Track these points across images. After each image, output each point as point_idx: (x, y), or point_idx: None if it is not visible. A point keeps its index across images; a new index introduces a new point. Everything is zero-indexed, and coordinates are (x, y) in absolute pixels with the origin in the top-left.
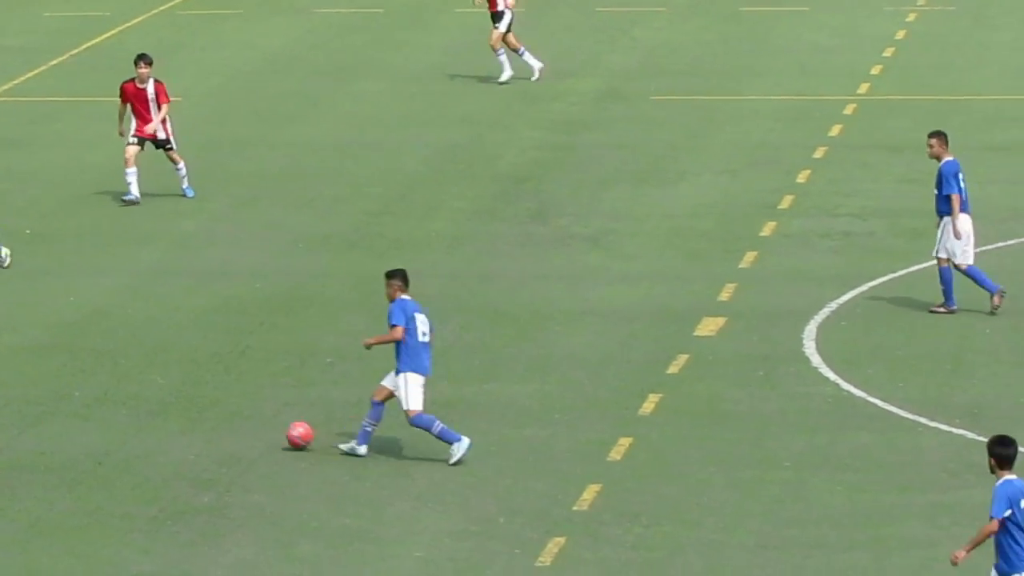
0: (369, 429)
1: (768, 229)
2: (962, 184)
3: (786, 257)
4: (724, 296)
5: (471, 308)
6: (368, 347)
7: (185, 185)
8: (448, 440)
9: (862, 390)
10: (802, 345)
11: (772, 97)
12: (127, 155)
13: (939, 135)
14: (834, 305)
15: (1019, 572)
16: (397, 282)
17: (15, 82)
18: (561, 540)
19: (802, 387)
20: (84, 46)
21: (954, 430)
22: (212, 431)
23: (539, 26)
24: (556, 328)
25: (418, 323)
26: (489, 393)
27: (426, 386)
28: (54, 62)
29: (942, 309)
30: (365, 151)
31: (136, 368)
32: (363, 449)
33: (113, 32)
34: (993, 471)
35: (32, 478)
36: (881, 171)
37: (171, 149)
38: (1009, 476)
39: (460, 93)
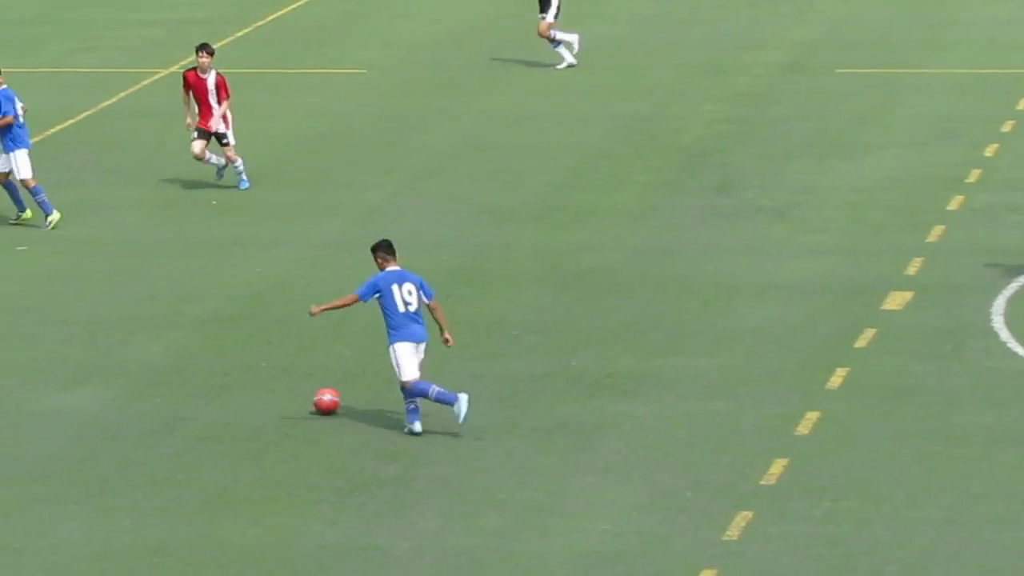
0: (413, 407)
1: (955, 203)
2: None
3: (974, 231)
4: (911, 270)
5: (656, 281)
6: (313, 314)
7: (242, 178)
8: (447, 401)
9: None
10: (990, 320)
11: (958, 70)
12: (195, 151)
13: None
14: (1023, 280)
15: None
16: (381, 253)
17: None
18: (748, 514)
19: (990, 362)
20: (270, 17)
21: None
22: (398, 403)
23: None
24: (741, 301)
25: (399, 294)
26: (675, 366)
27: (424, 349)
28: (240, 33)
29: None
30: (549, 123)
31: (322, 339)
32: (417, 426)
33: (300, 3)
34: None
35: (218, 449)
36: None
37: (227, 144)
38: None
39: (645, 65)
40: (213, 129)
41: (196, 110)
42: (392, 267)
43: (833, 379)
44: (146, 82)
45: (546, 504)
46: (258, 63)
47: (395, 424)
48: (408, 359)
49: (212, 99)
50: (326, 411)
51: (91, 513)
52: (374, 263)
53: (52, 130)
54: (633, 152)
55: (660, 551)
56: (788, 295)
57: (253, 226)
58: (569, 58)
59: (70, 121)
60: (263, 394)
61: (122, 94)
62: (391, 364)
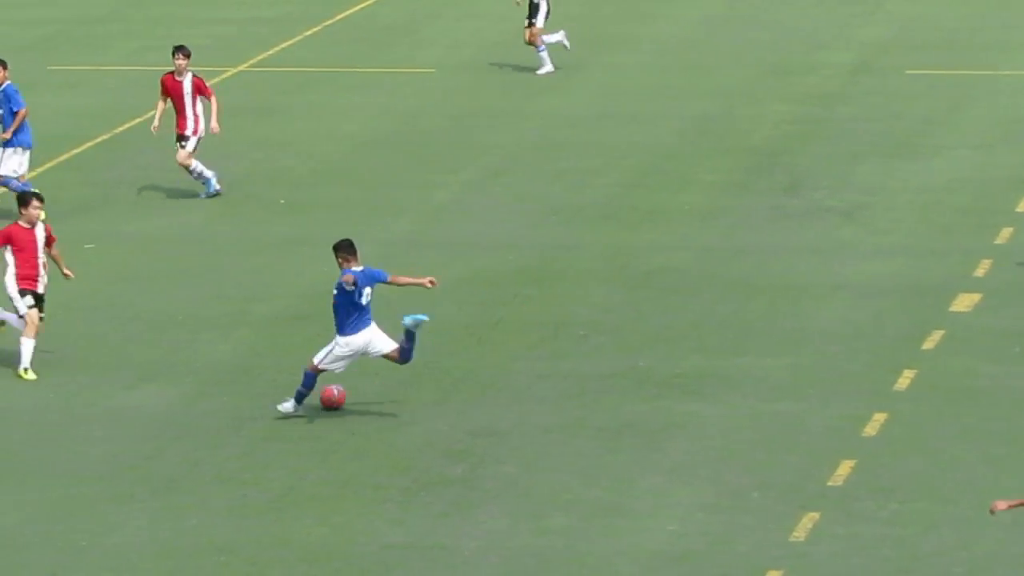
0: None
1: None
2: None
3: None
4: (979, 272)
5: (723, 281)
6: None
7: (211, 184)
8: (296, 398)
9: None
10: None
11: None
12: (179, 159)
13: None
14: None
15: None
16: (343, 254)
17: (268, 52)
18: (815, 515)
19: None
20: (338, 17)
21: None
22: (464, 402)
23: None
24: (809, 302)
25: (364, 295)
26: (741, 367)
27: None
28: (308, 32)
29: None
30: (618, 123)
31: None
32: None
33: (368, 3)
34: None
35: (284, 448)
36: None
37: (183, 148)
38: None
39: (714, 66)
40: (214, 129)
41: (177, 116)
42: (355, 267)
43: (901, 380)
44: (214, 80)
45: (613, 504)
46: (326, 62)
47: (461, 424)
48: (345, 356)
49: (188, 102)
50: (330, 406)
51: (157, 511)
52: (358, 263)
53: (120, 128)
54: (702, 152)
55: (726, 552)
56: (856, 296)
57: (320, 225)
58: (549, 66)
59: (137, 119)
60: None
61: None
62: (348, 351)
